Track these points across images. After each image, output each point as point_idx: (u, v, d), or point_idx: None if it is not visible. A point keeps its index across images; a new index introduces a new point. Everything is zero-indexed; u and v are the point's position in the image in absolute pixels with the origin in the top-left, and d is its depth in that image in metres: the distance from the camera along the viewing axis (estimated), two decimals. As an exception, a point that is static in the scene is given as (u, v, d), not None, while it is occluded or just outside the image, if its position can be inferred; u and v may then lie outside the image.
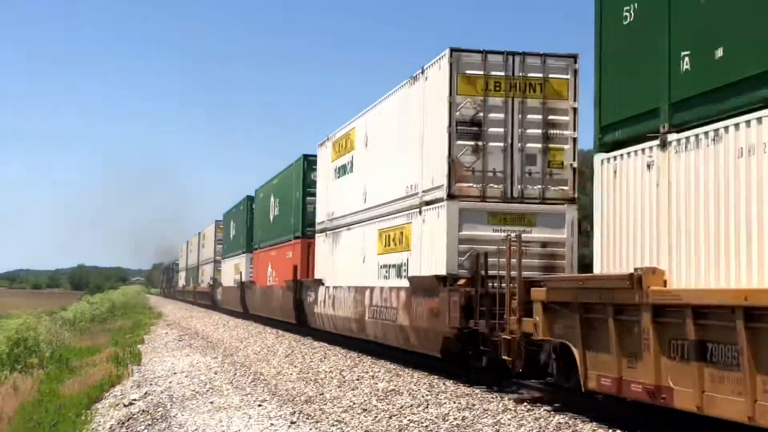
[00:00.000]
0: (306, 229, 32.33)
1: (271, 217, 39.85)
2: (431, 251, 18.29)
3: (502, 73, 17.97)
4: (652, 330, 10.41)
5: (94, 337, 38.48)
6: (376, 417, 13.94)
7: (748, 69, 9.54)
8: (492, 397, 14.30)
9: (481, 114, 17.83)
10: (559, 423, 12.01)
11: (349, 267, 25.12)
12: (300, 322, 31.59)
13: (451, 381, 16.56)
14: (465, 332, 16.65)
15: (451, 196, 17.66)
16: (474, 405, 13.78)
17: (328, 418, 14.17)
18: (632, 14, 11.82)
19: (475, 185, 17.65)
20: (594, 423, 11.88)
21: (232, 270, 52.05)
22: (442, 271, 17.44)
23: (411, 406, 14.44)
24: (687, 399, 9.87)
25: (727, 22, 9.92)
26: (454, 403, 14.17)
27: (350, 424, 13.55)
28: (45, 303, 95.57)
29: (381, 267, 21.88)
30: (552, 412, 12.77)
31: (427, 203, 18.78)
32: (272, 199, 39.99)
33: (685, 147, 10.47)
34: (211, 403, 16.81)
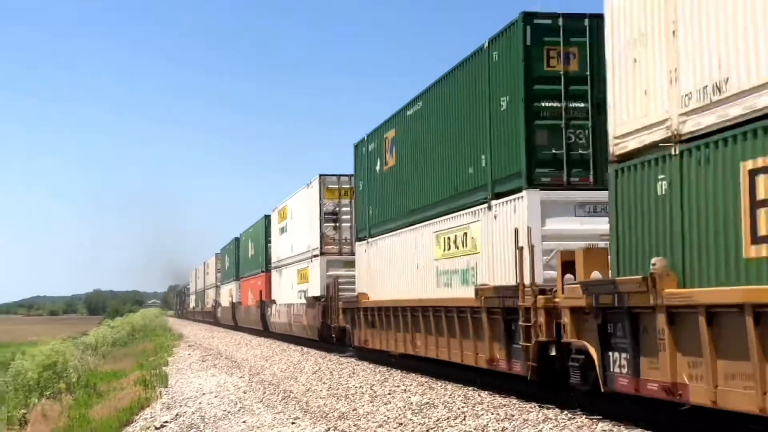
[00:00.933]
0: (268, 265, 46.62)
1: (249, 256, 55.85)
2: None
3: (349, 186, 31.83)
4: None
5: (117, 361, 38.44)
6: (412, 431, 13.79)
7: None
8: (531, 407, 14.10)
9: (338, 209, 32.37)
10: (603, 430, 11.83)
11: (286, 291, 39.81)
12: (265, 328, 46.63)
13: (487, 392, 16.37)
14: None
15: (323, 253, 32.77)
16: (513, 416, 13.60)
17: (363, 433, 14.04)
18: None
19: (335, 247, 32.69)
20: (639, 430, 11.69)
21: (228, 293, 66.96)
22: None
23: (448, 418, 14.28)
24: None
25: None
26: (492, 414, 14.00)
27: (387, 439, 13.42)
28: (64, 329, 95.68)
29: (298, 292, 36.56)
30: (595, 421, 12.58)
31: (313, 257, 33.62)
32: (249, 242, 56.01)
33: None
34: (244, 422, 16.69)
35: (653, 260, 10.70)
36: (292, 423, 15.87)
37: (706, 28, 10.22)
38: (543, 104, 15.68)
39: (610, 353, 11.83)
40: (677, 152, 10.65)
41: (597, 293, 11.99)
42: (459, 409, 14.91)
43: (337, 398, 18.16)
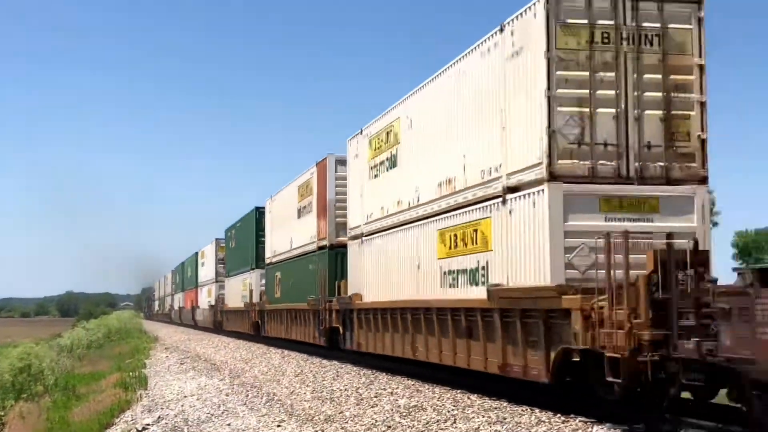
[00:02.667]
0: (197, 282, 64.27)
1: (188, 275, 74.99)
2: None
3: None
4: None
5: (94, 363, 38.01)
6: (402, 434, 13.62)
7: None
8: (522, 410, 13.93)
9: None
10: (599, 433, 11.69)
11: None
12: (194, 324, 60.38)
13: (477, 395, 16.19)
14: None
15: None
16: (505, 419, 13.43)
17: (352, 436, 13.85)
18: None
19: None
20: (635, 433, 11.55)
21: (177, 300, 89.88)
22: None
23: (437, 421, 14.09)
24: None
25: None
26: (483, 417, 13.82)
27: (377, 442, 13.23)
28: (37, 331, 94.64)
29: None
30: (589, 423, 12.43)
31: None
32: (188, 266, 76.04)
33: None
34: (229, 425, 16.47)
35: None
36: (278, 426, 15.65)
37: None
38: None
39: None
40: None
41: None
42: (449, 412, 14.72)
43: (322, 401, 17.95)
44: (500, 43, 15.87)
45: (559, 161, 14.05)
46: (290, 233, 34.18)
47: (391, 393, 17.81)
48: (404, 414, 15.14)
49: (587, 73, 14.25)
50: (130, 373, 28.20)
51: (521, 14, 15.12)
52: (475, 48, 17.05)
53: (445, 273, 18.16)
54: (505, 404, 14.92)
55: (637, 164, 14.20)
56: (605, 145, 14.22)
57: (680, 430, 11.64)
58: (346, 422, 15.15)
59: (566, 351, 13.32)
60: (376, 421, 14.87)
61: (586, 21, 14.31)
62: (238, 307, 46.40)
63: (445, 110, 18.57)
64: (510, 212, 15.20)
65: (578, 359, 13.12)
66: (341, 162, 28.02)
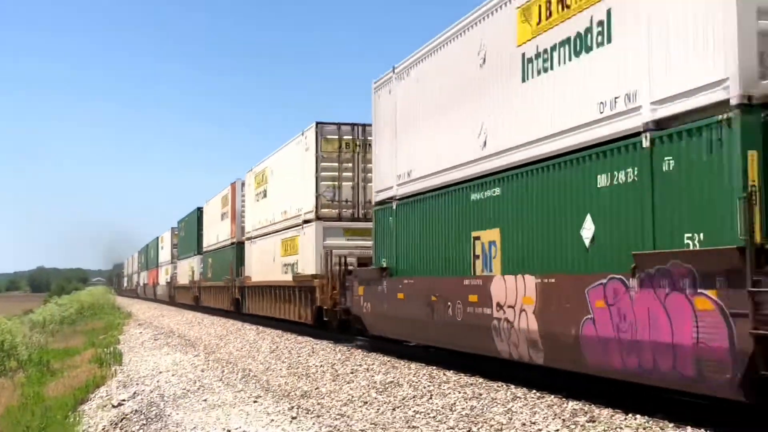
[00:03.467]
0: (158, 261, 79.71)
1: (150, 256, 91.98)
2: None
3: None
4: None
5: (67, 339, 37.88)
6: (378, 409, 13.68)
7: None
8: (498, 386, 14.07)
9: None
10: (575, 409, 11.83)
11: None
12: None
13: (452, 371, 16.32)
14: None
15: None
16: (481, 394, 13.55)
17: (329, 412, 13.89)
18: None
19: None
20: (610, 408, 11.71)
21: (143, 278, 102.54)
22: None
23: (414, 397, 14.20)
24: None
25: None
26: (459, 393, 13.94)
27: (354, 417, 13.28)
28: (8, 307, 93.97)
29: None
30: (564, 399, 12.57)
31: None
32: (152, 248, 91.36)
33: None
34: (205, 400, 16.46)
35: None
36: (254, 401, 15.68)
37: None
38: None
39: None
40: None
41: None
42: (425, 388, 14.84)
43: (298, 377, 18.01)
44: (301, 141, 29.27)
45: (322, 209, 27.32)
46: (217, 231, 46.83)
47: (367, 369, 17.91)
48: (380, 390, 15.24)
49: (337, 164, 27.66)
50: (105, 349, 28.13)
51: (308, 129, 28.18)
52: (294, 139, 30.35)
53: (283, 265, 30.88)
54: (480, 380, 15.06)
55: (362, 211, 27.00)
56: (346, 201, 27.46)
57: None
58: (323, 398, 15.21)
59: (318, 307, 26.25)
60: (353, 396, 14.95)
61: (336, 137, 27.76)
62: (184, 284, 59.90)
63: (280, 172, 32.61)
64: (304, 233, 28.34)
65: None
66: (244, 184, 40.32)
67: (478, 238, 15.85)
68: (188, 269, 56.26)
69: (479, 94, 16.00)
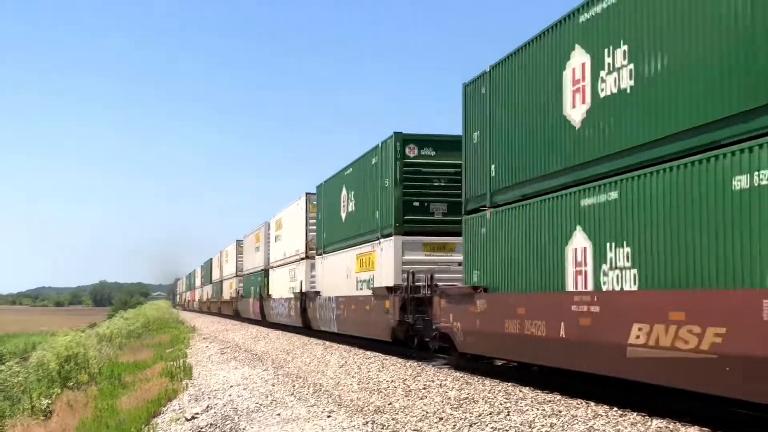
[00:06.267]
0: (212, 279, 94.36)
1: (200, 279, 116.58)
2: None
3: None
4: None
5: (135, 352, 38.27)
6: (455, 426, 13.56)
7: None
8: (578, 403, 13.86)
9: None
10: (659, 427, 11.59)
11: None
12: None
13: (529, 388, 16.13)
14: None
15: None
16: (560, 411, 13.36)
17: (404, 427, 13.81)
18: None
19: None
20: (696, 427, 11.46)
21: (198, 294, 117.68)
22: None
23: (490, 413, 14.04)
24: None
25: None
26: (538, 410, 13.75)
27: (430, 434, 13.20)
28: (72, 320, 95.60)
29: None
30: (647, 417, 12.34)
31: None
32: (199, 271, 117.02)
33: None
34: (278, 415, 16.49)
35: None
36: (328, 416, 15.67)
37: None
38: None
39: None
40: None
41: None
42: (501, 404, 14.67)
43: (370, 392, 17.96)
44: (299, 203, 40.15)
45: (309, 251, 38.59)
46: (252, 259, 59.02)
47: (440, 385, 17.79)
48: (455, 406, 15.11)
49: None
50: (173, 363, 28.37)
51: (301, 198, 39.67)
52: (294, 202, 41.99)
53: (289, 287, 41.49)
54: (558, 397, 14.85)
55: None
56: None
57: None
58: (397, 413, 15.13)
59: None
60: (427, 412, 14.84)
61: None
62: (226, 299, 76.37)
63: (288, 223, 43.82)
64: (299, 265, 37.79)
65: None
66: (269, 226, 51.77)
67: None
68: (230, 287, 74.03)
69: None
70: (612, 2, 14.23)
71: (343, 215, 32.03)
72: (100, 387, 24.45)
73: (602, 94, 14.41)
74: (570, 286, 15.17)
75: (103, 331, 50.04)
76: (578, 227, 14.96)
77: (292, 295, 41.16)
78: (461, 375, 19.10)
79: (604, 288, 13.98)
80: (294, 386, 20.21)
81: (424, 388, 17.60)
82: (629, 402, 13.39)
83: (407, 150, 25.23)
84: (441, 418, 14.26)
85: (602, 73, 14.49)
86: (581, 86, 15.12)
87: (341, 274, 31.55)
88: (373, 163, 27.68)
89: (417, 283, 23.94)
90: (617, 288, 13.61)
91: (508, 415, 13.74)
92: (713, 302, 11.09)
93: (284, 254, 44.78)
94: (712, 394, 11.25)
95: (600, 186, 14.26)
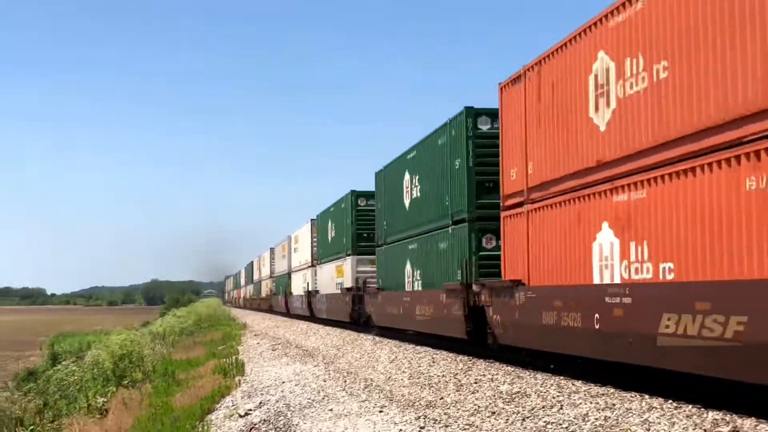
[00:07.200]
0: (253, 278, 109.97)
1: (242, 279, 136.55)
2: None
3: None
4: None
5: (187, 350, 38.65)
6: (507, 419, 13.52)
7: None
8: (632, 396, 13.75)
9: None
10: (715, 419, 11.46)
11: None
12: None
13: (581, 381, 16.03)
14: None
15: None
16: (614, 405, 13.25)
17: (456, 422, 13.79)
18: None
19: None
20: (753, 418, 11.30)
21: (244, 291, 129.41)
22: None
23: (543, 407, 13.98)
24: None
25: None
26: (591, 403, 13.66)
27: (483, 428, 13.15)
28: (125, 319, 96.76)
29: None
30: (703, 409, 12.20)
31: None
32: (244, 271, 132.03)
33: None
34: (330, 410, 16.56)
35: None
36: (380, 411, 15.69)
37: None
38: None
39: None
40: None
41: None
42: (554, 398, 14.60)
43: (421, 387, 17.96)
44: (308, 225, 55.16)
45: (313, 261, 52.32)
46: (281, 263, 70.24)
47: (491, 379, 17.74)
48: (507, 400, 15.06)
49: None
50: (226, 359, 28.61)
51: (308, 223, 54.78)
52: (306, 224, 55.32)
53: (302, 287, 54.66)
54: (612, 390, 14.74)
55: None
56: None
57: None
58: (448, 408, 15.12)
59: None
60: (479, 407, 14.81)
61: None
62: (263, 296, 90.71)
63: (301, 238, 59.01)
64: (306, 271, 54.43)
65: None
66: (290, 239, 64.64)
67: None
68: (266, 286, 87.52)
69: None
70: None
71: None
72: (155, 385, 24.73)
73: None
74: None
75: (156, 329, 50.64)
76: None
77: (303, 293, 54.96)
78: (513, 369, 19.04)
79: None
80: (345, 382, 20.27)
81: (476, 383, 17.56)
82: (684, 395, 13.24)
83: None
84: (493, 413, 14.22)
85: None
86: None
87: (329, 278, 45.05)
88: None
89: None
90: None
91: (561, 408, 13.67)
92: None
93: (299, 262, 58.91)
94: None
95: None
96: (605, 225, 15.38)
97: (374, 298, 34.60)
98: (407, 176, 29.64)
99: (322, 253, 48.32)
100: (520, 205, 19.51)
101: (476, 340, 22.12)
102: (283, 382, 21.68)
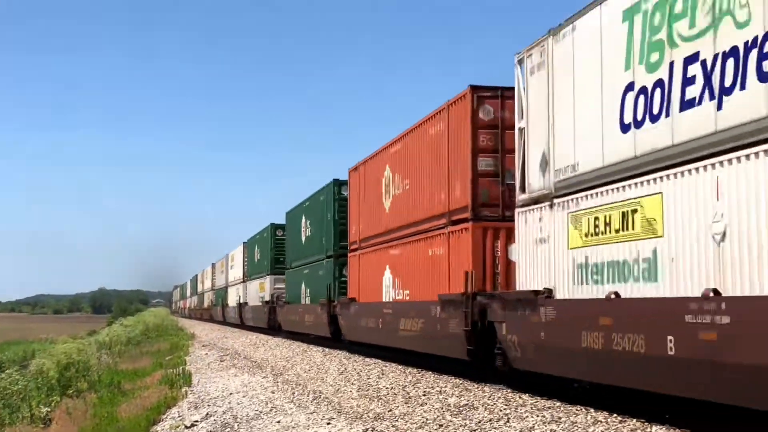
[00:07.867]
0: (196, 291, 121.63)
1: (188, 291, 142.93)
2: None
3: None
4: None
5: (134, 360, 38.26)
6: (454, 433, 13.58)
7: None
8: (577, 410, 13.87)
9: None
10: (658, 434, 11.61)
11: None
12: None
13: (528, 394, 16.15)
14: None
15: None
16: (560, 418, 13.36)
17: (404, 434, 13.82)
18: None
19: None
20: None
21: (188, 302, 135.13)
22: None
23: (490, 420, 14.05)
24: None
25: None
26: (538, 416, 13.76)
27: (430, 441, 13.20)
28: (71, 328, 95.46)
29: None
30: (647, 423, 12.35)
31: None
32: (189, 286, 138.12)
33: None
34: (278, 422, 16.49)
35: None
36: (328, 423, 15.66)
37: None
38: None
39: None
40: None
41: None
42: (501, 411, 14.68)
43: (370, 399, 17.96)
44: (240, 248, 67.58)
45: None
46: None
47: (440, 392, 17.79)
48: (455, 413, 15.11)
49: None
50: (173, 370, 28.36)
51: (241, 245, 66.68)
52: (239, 247, 67.43)
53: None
54: (558, 403, 14.86)
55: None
56: None
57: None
58: (396, 420, 15.13)
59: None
60: (427, 419, 14.84)
61: None
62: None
63: (236, 259, 70.39)
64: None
65: None
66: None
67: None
68: (207, 298, 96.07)
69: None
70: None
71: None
72: (100, 395, 24.43)
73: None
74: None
75: (103, 339, 50.04)
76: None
77: (236, 305, 63.74)
78: (461, 381, 19.11)
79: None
80: (294, 393, 20.21)
81: (424, 395, 17.61)
82: (629, 410, 13.38)
83: None
84: (441, 425, 14.26)
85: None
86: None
87: (255, 293, 54.65)
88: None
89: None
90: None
91: (508, 421, 13.75)
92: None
93: (234, 278, 67.87)
94: None
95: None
96: (387, 267, 26.09)
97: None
98: (303, 219, 41.02)
99: (250, 271, 60.08)
100: (355, 250, 30.80)
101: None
102: (231, 394, 21.56)
